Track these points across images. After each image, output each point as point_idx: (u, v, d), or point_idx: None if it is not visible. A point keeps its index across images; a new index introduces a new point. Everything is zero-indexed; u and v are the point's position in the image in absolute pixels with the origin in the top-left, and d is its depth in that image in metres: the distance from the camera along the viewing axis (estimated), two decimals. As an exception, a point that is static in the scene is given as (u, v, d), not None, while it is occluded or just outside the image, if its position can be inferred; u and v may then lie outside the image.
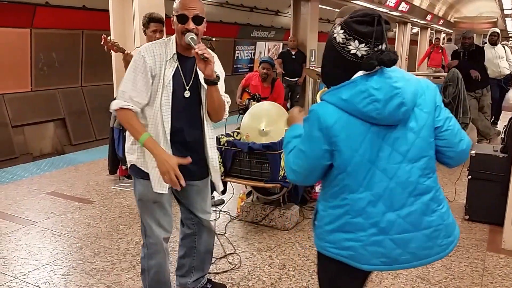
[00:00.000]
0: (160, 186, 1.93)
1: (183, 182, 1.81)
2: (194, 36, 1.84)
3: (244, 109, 4.33)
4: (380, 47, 1.30)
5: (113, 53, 3.83)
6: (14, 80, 7.05)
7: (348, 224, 1.38)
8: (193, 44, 1.82)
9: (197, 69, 1.94)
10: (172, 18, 1.91)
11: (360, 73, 1.32)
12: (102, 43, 3.37)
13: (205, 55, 1.79)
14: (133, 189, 2.08)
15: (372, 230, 1.36)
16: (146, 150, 1.89)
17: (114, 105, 1.88)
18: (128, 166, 2.04)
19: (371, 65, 1.28)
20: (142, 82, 1.86)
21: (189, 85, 1.95)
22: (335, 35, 1.35)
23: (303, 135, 1.39)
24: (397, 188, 1.34)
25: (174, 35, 1.94)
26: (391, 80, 1.31)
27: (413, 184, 1.35)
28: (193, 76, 1.95)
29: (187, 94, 1.94)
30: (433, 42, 12.49)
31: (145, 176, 1.95)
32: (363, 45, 1.30)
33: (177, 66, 1.92)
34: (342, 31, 1.34)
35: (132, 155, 1.98)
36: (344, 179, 1.36)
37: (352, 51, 1.31)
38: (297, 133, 1.45)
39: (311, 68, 6.69)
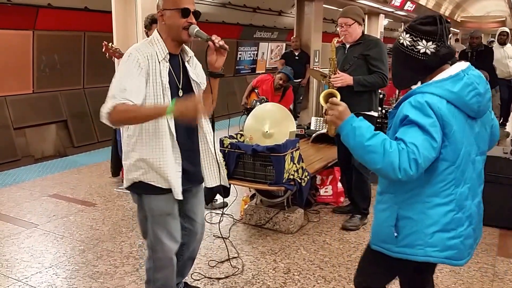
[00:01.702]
0: (180, 192, 1.87)
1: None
2: (198, 28, 1.79)
3: (249, 110, 4.29)
4: (445, 43, 1.41)
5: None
6: (16, 82, 7.03)
7: (452, 221, 1.42)
8: (204, 37, 1.77)
9: (186, 65, 1.91)
10: (163, 14, 1.80)
11: (458, 66, 1.42)
12: (103, 50, 3.32)
13: (225, 45, 1.76)
14: (141, 207, 1.95)
15: (467, 223, 1.46)
16: (155, 162, 1.79)
17: (106, 108, 1.69)
18: (128, 184, 1.90)
19: (447, 58, 1.41)
20: (137, 83, 1.73)
21: (181, 83, 1.89)
22: (401, 41, 1.47)
23: (420, 126, 1.34)
24: (476, 179, 1.48)
25: (154, 35, 1.84)
26: (482, 75, 1.44)
27: (481, 175, 1.50)
28: (181, 74, 1.90)
29: (180, 93, 1.88)
30: None
31: (156, 190, 1.86)
32: (430, 43, 1.41)
33: (169, 66, 1.85)
34: (408, 35, 1.45)
35: (136, 172, 1.86)
36: (452, 173, 1.40)
37: (421, 50, 1.42)
38: (371, 131, 1.39)
39: (315, 69, 6.64)
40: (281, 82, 4.73)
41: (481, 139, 1.47)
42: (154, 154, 1.82)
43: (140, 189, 1.90)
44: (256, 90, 4.85)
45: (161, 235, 1.93)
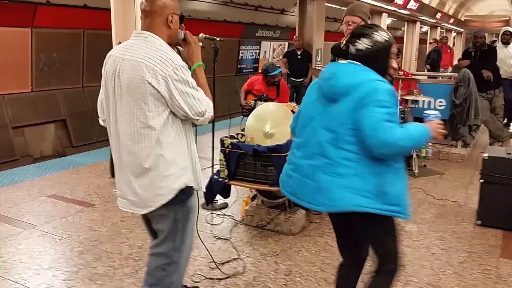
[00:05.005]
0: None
1: None
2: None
3: (249, 111, 4.26)
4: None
5: None
6: (14, 81, 6.99)
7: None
8: (182, 36, 1.87)
9: None
10: (173, 18, 1.78)
11: None
12: None
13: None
14: (175, 215, 1.83)
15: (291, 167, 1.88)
16: (192, 164, 1.85)
17: (209, 113, 1.79)
18: (173, 195, 1.77)
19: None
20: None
21: None
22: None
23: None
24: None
25: (159, 41, 1.75)
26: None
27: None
28: None
29: None
30: (441, 41, 12.26)
31: (192, 190, 1.87)
32: None
33: None
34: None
35: (183, 177, 1.80)
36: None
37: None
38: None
39: (317, 68, 6.59)
40: (275, 80, 4.73)
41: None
42: (192, 156, 1.86)
43: (185, 194, 1.83)
44: (252, 92, 4.84)
45: (190, 231, 1.91)
